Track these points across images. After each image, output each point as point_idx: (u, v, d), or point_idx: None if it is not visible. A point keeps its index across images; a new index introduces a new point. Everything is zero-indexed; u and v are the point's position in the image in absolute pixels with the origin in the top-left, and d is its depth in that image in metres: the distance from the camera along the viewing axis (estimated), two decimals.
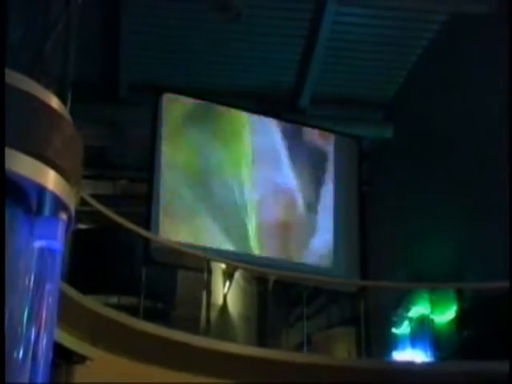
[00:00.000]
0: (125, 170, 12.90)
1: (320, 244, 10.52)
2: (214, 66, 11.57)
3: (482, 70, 10.16)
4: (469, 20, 10.19)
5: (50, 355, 2.84)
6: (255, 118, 10.91)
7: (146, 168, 9.79)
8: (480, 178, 9.89)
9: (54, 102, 2.97)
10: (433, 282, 9.27)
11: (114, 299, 9.50)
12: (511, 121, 8.16)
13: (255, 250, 10.20)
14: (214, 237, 9.92)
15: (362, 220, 10.74)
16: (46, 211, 2.95)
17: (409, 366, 8.27)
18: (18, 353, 2.75)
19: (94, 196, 7.48)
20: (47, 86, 2.96)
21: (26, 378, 2.74)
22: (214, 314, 10.07)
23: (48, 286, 2.90)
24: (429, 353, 8.82)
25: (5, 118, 2.58)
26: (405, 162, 12.07)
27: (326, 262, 10.46)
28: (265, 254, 10.09)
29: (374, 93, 12.35)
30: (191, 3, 10.16)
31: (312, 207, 10.66)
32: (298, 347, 10.80)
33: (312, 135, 11.13)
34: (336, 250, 10.48)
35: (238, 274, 10.63)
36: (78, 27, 3.47)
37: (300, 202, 10.62)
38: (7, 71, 2.79)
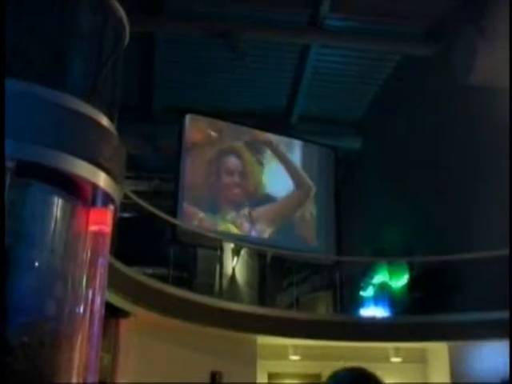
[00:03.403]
0: (157, 172, 12.91)
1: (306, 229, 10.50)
2: (225, 92, 11.58)
3: (430, 97, 10.19)
4: (418, 59, 10.24)
5: (103, 311, 2.87)
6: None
7: (174, 171, 9.79)
8: (425, 179, 9.92)
9: (105, 120, 3.00)
10: (390, 256, 9.29)
11: (149, 270, 9.50)
12: None
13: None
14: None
15: (338, 211, 10.72)
16: (98, 203, 2.98)
17: (372, 320, 8.30)
18: (79, 309, 2.78)
19: (133, 192, 7.48)
20: (100, 109, 2.98)
21: (85, 327, 2.77)
22: (225, 282, 10.06)
23: (100, 260, 2.93)
24: (387, 309, 8.83)
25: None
26: (370, 167, 12.10)
27: (310, 243, 10.46)
28: (266, 237, 10.06)
29: (347, 113, 12.35)
30: (209, 46, 10.25)
31: (302, 202, 10.63)
32: (289, 306, 10.82)
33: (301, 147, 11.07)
34: (318, 233, 10.48)
35: (243, 252, 10.61)
36: (123, 63, 3.48)
37: (295, 199, 10.58)
38: (71, 98, 2.81)
